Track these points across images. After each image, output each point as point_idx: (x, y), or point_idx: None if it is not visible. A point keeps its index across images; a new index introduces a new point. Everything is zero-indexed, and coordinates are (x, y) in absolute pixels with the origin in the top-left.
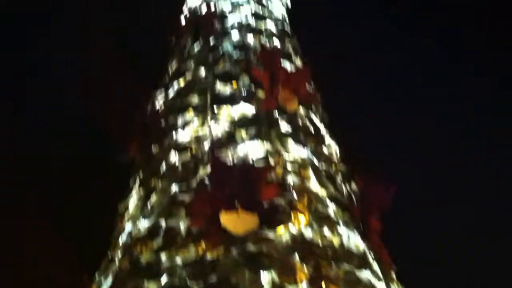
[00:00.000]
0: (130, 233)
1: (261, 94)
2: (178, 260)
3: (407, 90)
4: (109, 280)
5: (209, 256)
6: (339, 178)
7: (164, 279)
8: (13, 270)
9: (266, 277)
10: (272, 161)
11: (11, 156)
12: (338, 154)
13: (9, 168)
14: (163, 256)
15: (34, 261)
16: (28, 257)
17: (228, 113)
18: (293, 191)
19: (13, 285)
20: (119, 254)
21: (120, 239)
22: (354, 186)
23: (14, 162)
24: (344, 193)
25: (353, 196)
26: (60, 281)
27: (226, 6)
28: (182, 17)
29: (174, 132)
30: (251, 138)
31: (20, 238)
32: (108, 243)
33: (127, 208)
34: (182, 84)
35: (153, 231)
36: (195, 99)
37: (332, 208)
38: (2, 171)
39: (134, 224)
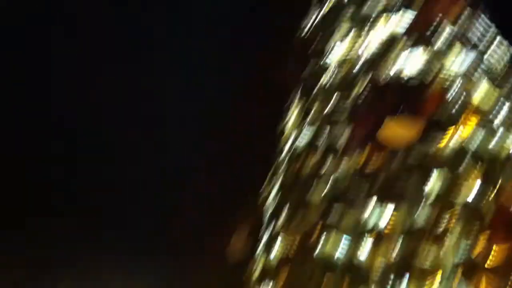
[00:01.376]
0: (293, 144)
1: (419, 2)
2: (340, 168)
3: None
4: (274, 191)
5: (371, 165)
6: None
7: (326, 188)
8: None
9: (433, 181)
10: (432, 71)
11: None
12: (508, 58)
13: None
14: (324, 166)
15: None
16: None
17: (386, 23)
18: (458, 102)
19: None
20: (283, 166)
21: (283, 151)
22: None
23: None
24: None
25: None
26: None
27: None
28: None
29: (331, 45)
30: (410, 47)
31: None
32: (273, 156)
33: (288, 120)
34: None
35: (315, 138)
36: (351, 11)
37: (502, 114)
38: None
39: (297, 133)
